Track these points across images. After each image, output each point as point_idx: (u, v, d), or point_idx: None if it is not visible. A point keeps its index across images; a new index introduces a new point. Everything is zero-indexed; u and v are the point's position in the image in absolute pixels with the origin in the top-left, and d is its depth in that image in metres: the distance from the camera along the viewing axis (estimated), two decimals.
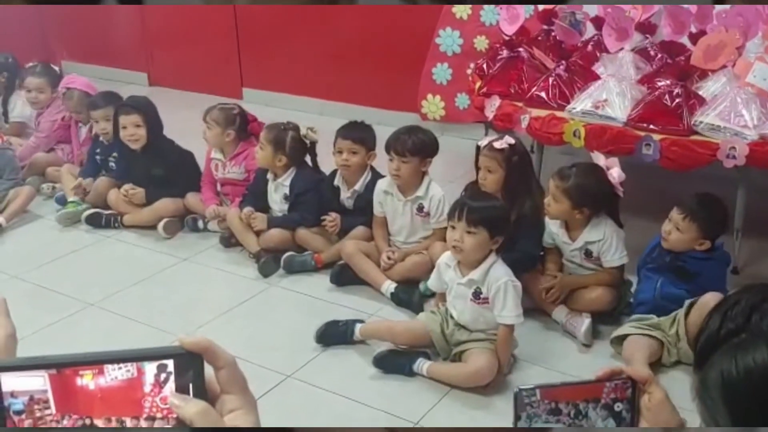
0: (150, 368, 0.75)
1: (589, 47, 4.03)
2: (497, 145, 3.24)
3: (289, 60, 5.86)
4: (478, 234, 2.80)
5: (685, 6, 3.83)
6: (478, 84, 4.04)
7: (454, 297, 2.95)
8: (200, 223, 4.11)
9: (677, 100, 3.29)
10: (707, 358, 0.94)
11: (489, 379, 2.81)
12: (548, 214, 3.21)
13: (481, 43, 4.85)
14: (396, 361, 2.94)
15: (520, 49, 3.94)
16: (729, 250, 3.21)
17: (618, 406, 1.14)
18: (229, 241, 3.92)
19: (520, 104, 3.69)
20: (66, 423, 0.73)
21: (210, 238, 4.04)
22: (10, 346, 0.86)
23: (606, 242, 3.14)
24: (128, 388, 0.74)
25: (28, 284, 3.64)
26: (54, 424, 0.73)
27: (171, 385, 0.75)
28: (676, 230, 3.02)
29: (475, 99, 4.04)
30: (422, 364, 2.89)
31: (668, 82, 3.42)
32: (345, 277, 3.55)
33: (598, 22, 3.97)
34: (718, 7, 3.67)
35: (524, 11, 4.22)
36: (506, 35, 4.13)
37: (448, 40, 4.97)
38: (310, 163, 3.89)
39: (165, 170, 4.14)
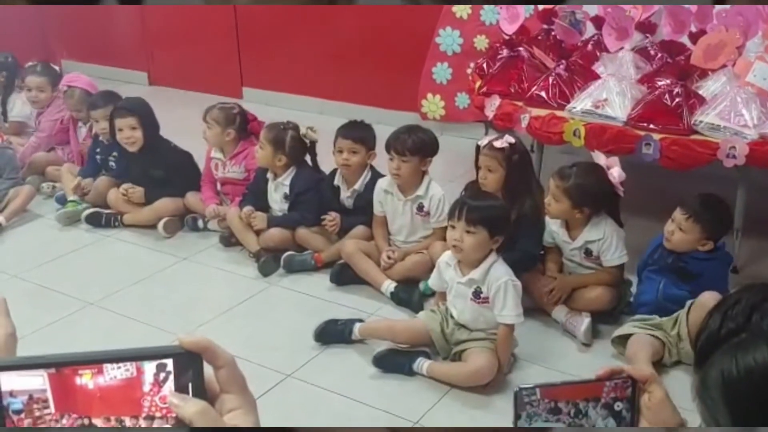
0: (149, 367, 0.74)
1: (589, 47, 4.03)
2: (497, 144, 3.24)
3: (289, 59, 5.86)
4: (477, 233, 2.80)
5: (686, 5, 3.83)
6: (478, 83, 4.04)
7: (454, 296, 2.95)
8: (200, 223, 4.11)
9: (677, 100, 3.29)
10: (707, 357, 0.94)
11: (489, 379, 2.81)
12: (548, 213, 3.21)
13: (481, 42, 4.85)
14: (396, 361, 2.94)
15: (520, 49, 3.94)
16: (729, 250, 3.21)
17: (618, 406, 1.14)
18: (229, 240, 3.92)
19: (520, 104, 3.69)
20: (65, 422, 0.73)
21: (210, 237, 4.04)
22: (10, 346, 0.86)
23: (606, 241, 3.14)
24: (127, 388, 0.74)
25: (28, 283, 3.64)
26: (53, 424, 0.73)
27: (170, 385, 0.75)
28: (679, 231, 3.02)
29: (475, 98, 4.04)
30: (422, 364, 2.89)
31: (668, 81, 3.42)
32: (345, 276, 3.55)
33: (598, 21, 3.96)
34: (718, 7, 3.67)
35: (524, 11, 4.22)
36: (506, 35, 4.13)
37: (448, 39, 4.97)
38: (310, 162, 3.89)
39: (163, 171, 4.14)
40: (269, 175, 3.87)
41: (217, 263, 3.82)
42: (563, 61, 3.69)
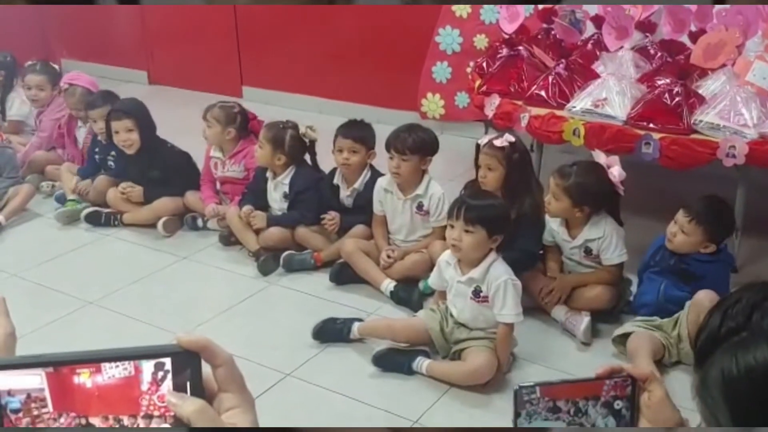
0: (147, 366, 0.74)
1: (589, 46, 4.04)
2: (498, 143, 3.24)
3: (289, 59, 5.85)
4: (476, 233, 2.80)
5: (685, 5, 3.83)
6: (477, 82, 4.04)
7: (454, 295, 2.95)
8: (200, 222, 4.11)
9: (677, 99, 3.29)
10: (708, 356, 0.93)
11: (488, 378, 2.81)
12: (548, 211, 3.21)
13: (481, 41, 4.85)
14: (395, 360, 2.94)
15: (520, 48, 3.94)
16: (728, 249, 3.20)
17: (618, 404, 1.14)
18: (229, 239, 3.92)
19: (519, 103, 3.69)
20: (63, 421, 0.73)
21: (209, 236, 4.03)
22: (9, 345, 0.85)
23: (606, 240, 3.13)
24: (125, 387, 0.74)
25: (27, 282, 3.64)
26: (51, 423, 0.73)
27: (168, 384, 0.75)
28: (681, 233, 3.01)
29: (475, 97, 4.04)
30: (421, 363, 2.89)
31: (668, 80, 3.42)
32: (344, 275, 3.55)
33: (597, 20, 3.97)
34: (718, 6, 3.67)
35: (524, 10, 4.22)
36: (506, 34, 4.13)
37: (448, 38, 4.97)
38: (309, 161, 3.89)
39: (161, 172, 4.14)
40: (269, 174, 3.87)
41: (217, 262, 3.82)
42: (563, 61, 3.69)
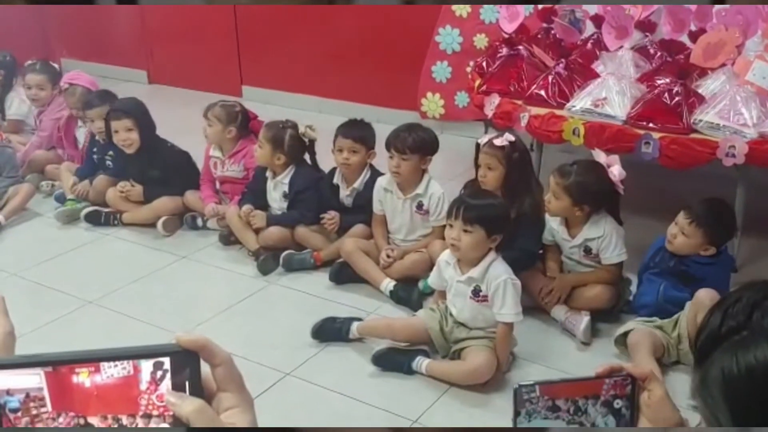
0: (146, 366, 0.74)
1: (589, 45, 4.03)
2: (497, 142, 3.24)
3: (288, 58, 5.85)
4: (474, 232, 2.80)
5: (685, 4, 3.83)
6: (477, 82, 4.04)
7: (453, 295, 2.94)
8: (199, 221, 4.11)
9: (677, 99, 3.29)
10: (708, 355, 0.93)
11: (488, 377, 2.81)
12: (548, 211, 3.20)
13: (481, 41, 4.85)
14: (395, 359, 2.94)
15: (520, 47, 3.94)
16: (728, 249, 3.20)
17: (617, 403, 1.14)
18: (228, 239, 3.92)
19: (519, 102, 3.69)
20: (62, 421, 0.73)
21: (209, 236, 4.03)
22: (8, 344, 0.85)
23: (605, 239, 3.13)
24: (124, 386, 0.74)
25: (27, 282, 3.64)
26: (50, 422, 0.73)
27: (167, 383, 0.74)
28: (681, 234, 3.01)
29: (475, 97, 4.04)
30: (421, 362, 2.88)
31: (668, 80, 3.42)
32: (344, 275, 3.55)
33: (597, 20, 3.96)
34: (718, 6, 3.67)
35: (524, 9, 4.21)
36: (506, 33, 4.13)
37: (448, 38, 4.97)
38: (309, 161, 3.89)
39: (161, 171, 4.14)
40: (268, 174, 3.87)
41: (217, 262, 3.82)
42: (563, 60, 3.69)
